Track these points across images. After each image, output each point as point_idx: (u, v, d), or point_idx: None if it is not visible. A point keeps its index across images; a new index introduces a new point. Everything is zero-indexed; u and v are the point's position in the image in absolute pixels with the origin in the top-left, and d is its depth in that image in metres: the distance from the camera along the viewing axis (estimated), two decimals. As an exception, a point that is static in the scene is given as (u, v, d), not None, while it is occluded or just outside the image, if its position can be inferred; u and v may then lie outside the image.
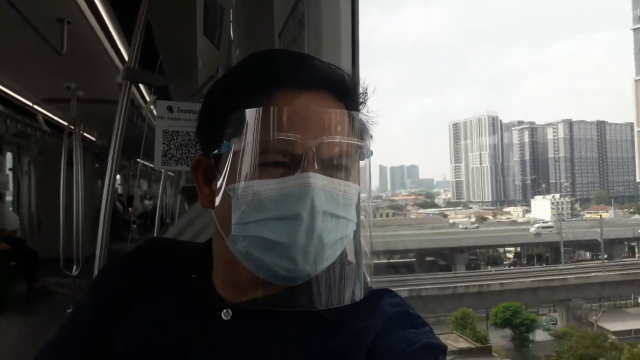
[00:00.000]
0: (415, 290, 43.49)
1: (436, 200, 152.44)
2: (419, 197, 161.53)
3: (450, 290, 44.15)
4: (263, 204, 0.65)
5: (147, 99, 4.88)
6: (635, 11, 32.61)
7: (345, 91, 0.73)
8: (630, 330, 38.46)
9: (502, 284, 44.17)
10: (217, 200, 0.69)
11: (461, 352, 26.93)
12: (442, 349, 0.68)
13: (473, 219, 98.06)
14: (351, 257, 0.73)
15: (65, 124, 5.49)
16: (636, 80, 34.50)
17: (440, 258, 60.90)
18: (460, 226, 75.44)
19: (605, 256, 59.69)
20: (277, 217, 0.65)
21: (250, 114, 0.66)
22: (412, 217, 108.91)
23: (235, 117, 0.67)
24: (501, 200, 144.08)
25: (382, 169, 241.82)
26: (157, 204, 5.60)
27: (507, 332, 39.44)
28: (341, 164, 0.68)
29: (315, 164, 0.65)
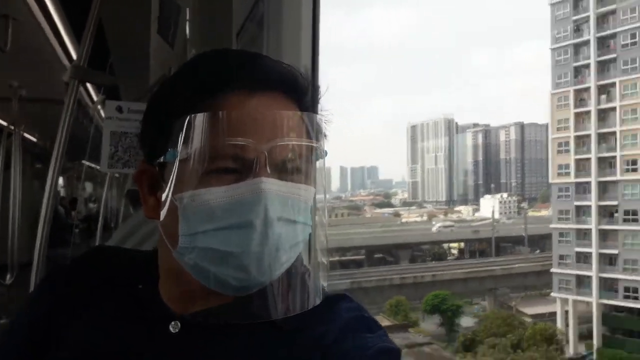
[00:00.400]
0: (356, 283, 47.15)
1: (392, 201, 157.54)
2: (377, 197, 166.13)
3: (387, 282, 47.99)
4: (212, 213, 0.63)
5: (95, 98, 4.72)
6: (553, 31, 36.75)
7: (299, 91, 0.72)
8: (545, 313, 43.27)
9: (434, 275, 48.43)
10: (163, 211, 0.66)
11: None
12: (397, 352, 0.69)
13: (425, 218, 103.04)
14: (307, 262, 0.74)
15: (5, 124, 5.20)
16: (552, 94, 39.00)
17: (387, 254, 64.90)
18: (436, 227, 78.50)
19: (538, 250, 65.46)
20: (228, 226, 0.62)
21: (197, 118, 0.63)
22: (367, 216, 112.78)
23: (181, 122, 0.63)
24: (454, 200, 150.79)
25: (342, 170, 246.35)
26: (101, 207, 5.57)
27: (438, 319, 43.50)
28: (295, 167, 0.67)
29: (268, 168, 0.63)
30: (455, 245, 73.71)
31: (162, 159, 0.66)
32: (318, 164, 0.71)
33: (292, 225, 0.65)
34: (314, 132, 0.69)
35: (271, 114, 0.66)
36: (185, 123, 0.63)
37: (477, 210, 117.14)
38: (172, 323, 0.70)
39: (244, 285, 0.64)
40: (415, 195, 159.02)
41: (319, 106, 0.75)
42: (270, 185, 0.63)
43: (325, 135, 0.72)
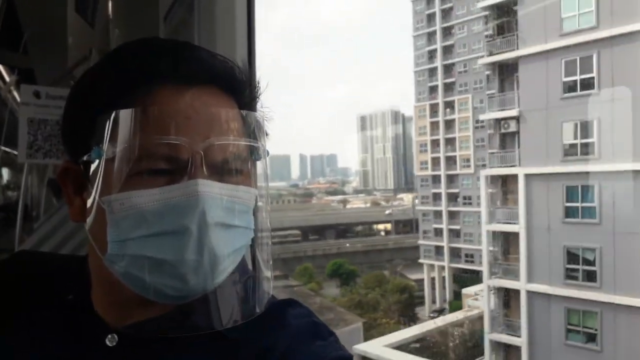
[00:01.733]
0: (276, 254, 59.82)
1: (346, 189, 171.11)
2: (334, 185, 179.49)
3: (302, 254, 60.78)
4: (144, 218, 0.58)
5: (7, 79, 4.24)
6: (415, 58, 48.61)
7: (237, 86, 0.69)
8: (422, 279, 56.69)
9: (339, 248, 61.52)
10: (90, 214, 0.61)
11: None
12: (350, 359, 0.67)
13: (369, 205, 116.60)
14: (250, 267, 0.71)
15: None
16: (415, 106, 51.84)
17: (315, 233, 77.58)
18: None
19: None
20: (161, 232, 0.59)
21: (125, 114, 0.58)
22: (313, 202, 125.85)
23: (107, 118, 0.59)
24: (402, 187, 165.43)
25: (302, 158, 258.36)
26: (20, 196, 4.65)
27: (338, 281, 56.36)
28: (234, 168, 0.64)
29: (205, 169, 0.60)
30: (382, 226, 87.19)
31: (86, 157, 0.62)
32: (259, 164, 0.69)
33: (232, 229, 0.62)
34: (254, 131, 0.67)
35: (207, 110, 0.63)
36: (112, 119, 0.59)
37: (417, 197, 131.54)
38: (109, 336, 0.65)
39: (181, 295, 0.61)
40: (367, 183, 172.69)
41: (259, 102, 0.73)
42: (207, 187, 0.59)
43: (266, 134, 0.69)
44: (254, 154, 0.67)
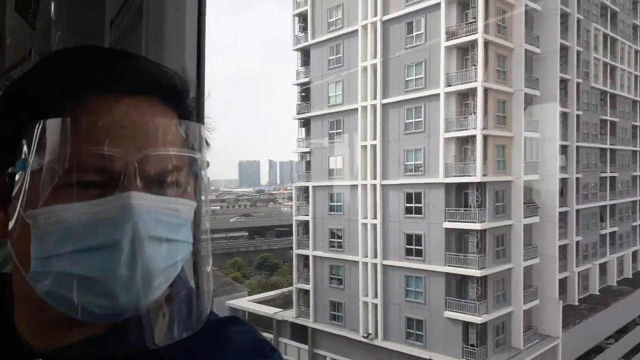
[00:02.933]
0: (214, 250, 74.07)
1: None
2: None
3: (235, 250, 73.96)
4: (71, 233, 0.55)
5: None
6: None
7: (176, 96, 0.67)
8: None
9: (269, 245, 74.89)
10: (13, 229, 0.58)
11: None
12: None
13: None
14: (188, 282, 0.69)
15: None
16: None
17: (258, 233, 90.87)
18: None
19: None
20: (90, 247, 0.56)
21: (52, 124, 0.56)
22: (272, 207, 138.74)
23: (33, 127, 0.56)
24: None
25: (272, 164, 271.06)
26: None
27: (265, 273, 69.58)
28: (171, 180, 0.62)
29: (138, 181, 0.58)
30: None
31: (10, 169, 0.58)
32: (200, 176, 0.67)
33: (168, 244, 0.60)
34: (194, 141, 0.65)
35: (143, 120, 0.61)
36: (38, 128, 0.56)
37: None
38: None
39: (112, 313, 0.58)
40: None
41: (203, 113, 0.71)
42: (141, 200, 0.57)
43: (208, 145, 0.68)
44: (193, 165, 0.65)
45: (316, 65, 32.26)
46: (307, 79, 33.00)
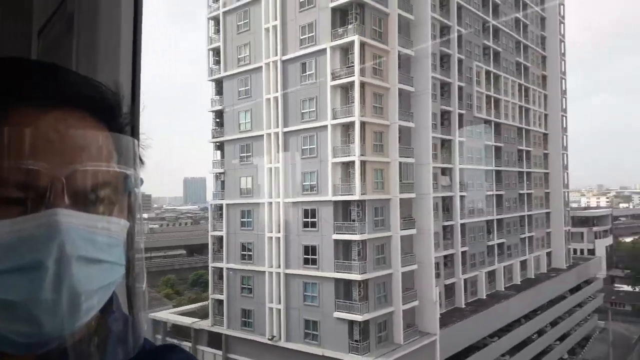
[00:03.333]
0: (148, 269, 75.56)
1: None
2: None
3: (169, 268, 75.78)
4: None
5: None
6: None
7: (108, 111, 0.65)
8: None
9: (205, 262, 77.06)
10: None
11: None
12: None
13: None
14: (120, 308, 0.66)
15: None
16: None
17: (194, 251, 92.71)
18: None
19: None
20: (12, 269, 0.52)
21: None
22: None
23: None
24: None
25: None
26: None
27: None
28: (101, 196, 0.59)
29: (66, 198, 0.55)
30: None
31: None
32: (133, 193, 0.64)
33: (98, 265, 0.57)
34: (127, 157, 0.63)
35: (71, 134, 0.58)
36: None
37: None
38: None
39: (35, 342, 0.54)
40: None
41: (138, 128, 0.70)
42: (69, 217, 0.54)
43: (141, 161, 0.66)
44: (125, 182, 0.63)
45: (228, 95, 36.33)
46: (220, 107, 36.95)
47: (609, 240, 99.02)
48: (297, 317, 32.41)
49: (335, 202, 30.37)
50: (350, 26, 29.30)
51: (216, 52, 37.22)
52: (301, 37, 31.60)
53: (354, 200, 29.59)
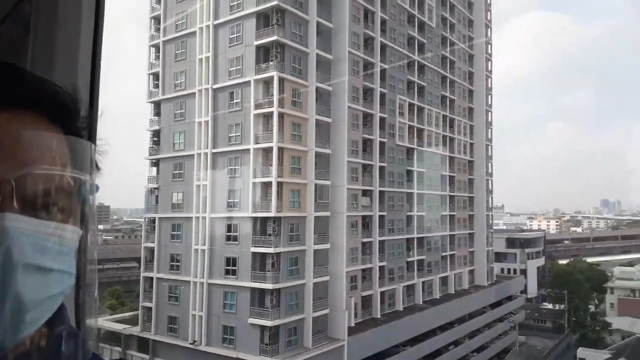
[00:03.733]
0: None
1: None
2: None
3: (117, 279, 77.20)
4: None
5: None
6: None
7: (63, 113, 0.62)
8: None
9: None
10: None
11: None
12: None
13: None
14: (68, 320, 0.63)
15: None
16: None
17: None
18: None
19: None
20: None
21: None
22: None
23: None
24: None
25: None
26: None
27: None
28: (53, 202, 0.56)
29: (15, 202, 0.53)
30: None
31: None
32: (87, 200, 0.62)
33: (46, 273, 0.55)
34: (82, 162, 0.60)
35: (23, 135, 0.56)
36: None
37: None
38: None
39: None
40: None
41: (95, 133, 0.69)
42: (18, 222, 0.53)
43: (98, 168, 0.64)
44: (80, 188, 0.60)
45: (165, 117, 39.63)
46: (157, 127, 40.16)
47: (541, 261, 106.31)
48: (217, 323, 35.55)
49: (255, 218, 33.94)
50: (271, 63, 33.30)
51: (156, 76, 40.56)
52: (230, 69, 35.40)
53: (271, 217, 33.23)
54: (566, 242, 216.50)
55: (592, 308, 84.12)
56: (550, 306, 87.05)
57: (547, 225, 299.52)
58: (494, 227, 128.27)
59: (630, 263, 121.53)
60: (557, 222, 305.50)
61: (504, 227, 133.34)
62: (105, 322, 45.12)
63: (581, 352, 55.98)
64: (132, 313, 48.15)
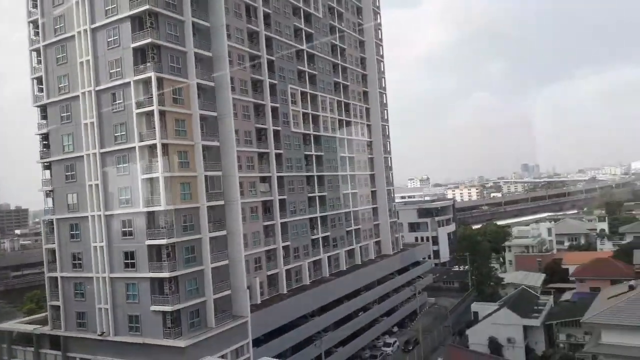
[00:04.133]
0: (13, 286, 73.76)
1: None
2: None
3: (37, 283, 75.41)
4: None
5: None
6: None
7: None
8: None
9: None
10: None
11: None
12: None
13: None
14: None
15: None
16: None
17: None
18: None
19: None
20: None
21: None
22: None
23: None
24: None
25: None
26: None
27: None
28: None
29: None
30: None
31: None
32: None
33: None
34: None
35: None
36: None
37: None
38: None
39: None
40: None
41: None
42: None
43: None
44: None
45: (52, 120, 40.08)
46: (46, 131, 40.51)
47: (452, 228, 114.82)
48: (122, 313, 37.23)
49: (148, 213, 35.70)
50: (148, 64, 34.85)
51: (39, 80, 40.71)
52: (110, 71, 36.52)
53: (162, 210, 35.16)
54: (484, 207, 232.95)
55: (496, 266, 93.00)
56: (458, 268, 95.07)
57: (469, 192, 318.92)
58: (417, 199, 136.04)
59: (538, 222, 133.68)
60: (477, 189, 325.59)
61: (427, 199, 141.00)
62: (17, 324, 45.14)
63: (474, 306, 62.76)
64: (45, 314, 48.36)
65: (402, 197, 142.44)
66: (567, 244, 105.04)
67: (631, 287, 42.66)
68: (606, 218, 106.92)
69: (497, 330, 51.74)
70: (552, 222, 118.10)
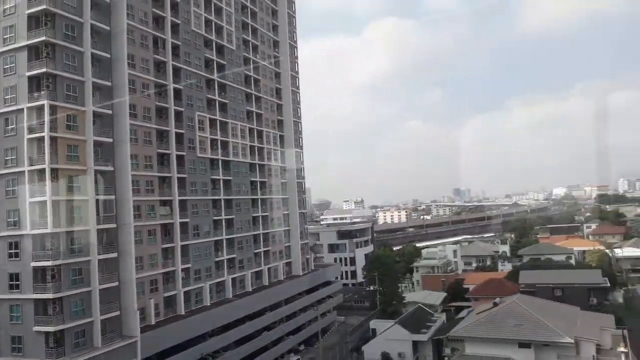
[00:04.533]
0: None
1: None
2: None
3: None
4: None
5: None
6: None
7: None
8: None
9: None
10: None
11: None
12: None
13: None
14: None
15: None
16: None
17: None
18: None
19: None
20: None
21: None
22: None
23: None
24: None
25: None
26: None
27: None
28: None
29: None
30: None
31: None
32: None
33: None
34: None
35: None
36: None
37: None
38: None
39: None
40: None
41: None
42: None
43: None
44: None
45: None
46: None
47: (370, 249, 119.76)
48: (5, 335, 37.35)
49: (35, 235, 36.46)
50: (43, 92, 36.11)
51: None
52: (5, 97, 37.39)
53: (49, 233, 36.05)
54: (409, 229, 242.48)
55: (404, 286, 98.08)
56: (369, 288, 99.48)
57: (399, 215, 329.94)
58: (347, 221, 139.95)
59: (445, 244, 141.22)
60: (407, 212, 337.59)
61: (358, 220, 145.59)
62: None
63: (372, 323, 66.47)
64: None
65: (334, 219, 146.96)
66: (474, 265, 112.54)
67: (495, 304, 47.85)
68: (507, 241, 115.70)
69: (390, 345, 55.47)
70: (464, 244, 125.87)
